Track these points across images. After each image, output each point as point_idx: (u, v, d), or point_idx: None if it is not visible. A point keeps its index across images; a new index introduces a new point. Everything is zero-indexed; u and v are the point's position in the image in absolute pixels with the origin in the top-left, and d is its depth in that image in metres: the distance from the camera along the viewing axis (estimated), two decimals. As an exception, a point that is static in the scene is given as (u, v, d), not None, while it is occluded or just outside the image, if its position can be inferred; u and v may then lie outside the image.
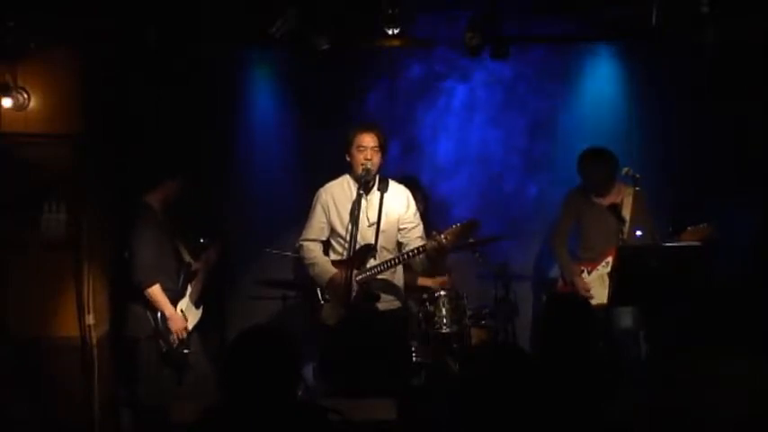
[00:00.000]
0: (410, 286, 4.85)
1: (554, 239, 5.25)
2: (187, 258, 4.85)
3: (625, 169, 4.80)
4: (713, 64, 5.32)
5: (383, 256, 4.43)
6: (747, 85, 5.41)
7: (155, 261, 4.57)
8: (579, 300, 4.03)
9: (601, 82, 5.91)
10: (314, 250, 4.53)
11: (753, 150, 5.49)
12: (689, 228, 4.66)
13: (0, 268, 4.65)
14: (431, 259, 4.42)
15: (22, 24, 4.53)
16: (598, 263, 4.95)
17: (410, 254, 4.35)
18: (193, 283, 4.84)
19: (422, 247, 4.30)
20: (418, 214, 4.59)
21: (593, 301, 4.66)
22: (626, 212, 4.81)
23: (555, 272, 5.82)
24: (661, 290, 4.32)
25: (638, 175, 4.76)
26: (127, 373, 4.88)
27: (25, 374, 4.62)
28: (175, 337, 4.65)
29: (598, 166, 4.97)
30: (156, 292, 4.56)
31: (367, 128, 4.41)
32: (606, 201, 4.94)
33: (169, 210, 4.75)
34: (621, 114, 5.85)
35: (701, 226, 4.66)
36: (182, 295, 4.76)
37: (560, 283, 5.16)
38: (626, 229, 4.74)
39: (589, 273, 4.99)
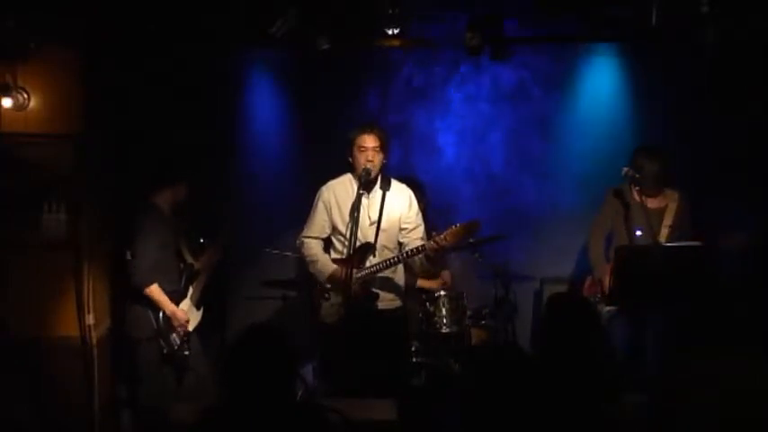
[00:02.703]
0: (409, 288, 4.85)
1: (591, 236, 5.03)
2: (189, 259, 4.85)
3: (625, 169, 4.77)
4: (713, 64, 5.32)
5: (384, 255, 4.43)
6: (747, 85, 5.41)
7: (154, 262, 4.56)
8: (580, 300, 4.03)
9: (601, 82, 5.90)
10: (314, 247, 4.53)
11: (753, 150, 5.49)
12: (721, 236, 4.55)
13: (0, 268, 4.64)
14: (430, 260, 4.42)
15: (22, 24, 4.52)
16: None
17: (409, 253, 4.35)
18: (195, 284, 4.84)
19: (421, 246, 4.30)
20: (420, 214, 4.59)
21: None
22: (668, 218, 4.75)
23: (556, 271, 5.83)
24: (661, 290, 4.31)
25: (637, 176, 4.75)
26: (127, 373, 4.88)
27: (25, 374, 4.61)
28: (176, 337, 4.64)
29: (653, 162, 4.76)
30: (155, 291, 4.56)
31: (367, 129, 4.42)
32: (650, 204, 4.77)
33: (176, 210, 4.75)
34: (621, 114, 5.85)
35: (737, 235, 4.56)
36: (183, 296, 4.76)
37: (588, 281, 5.00)
38: (665, 233, 4.70)
39: None
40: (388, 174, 4.54)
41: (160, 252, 4.59)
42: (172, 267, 4.72)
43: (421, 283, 5.25)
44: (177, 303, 4.69)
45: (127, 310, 4.68)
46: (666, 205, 4.81)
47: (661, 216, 4.80)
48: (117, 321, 4.91)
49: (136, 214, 4.64)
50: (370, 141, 4.37)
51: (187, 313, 4.73)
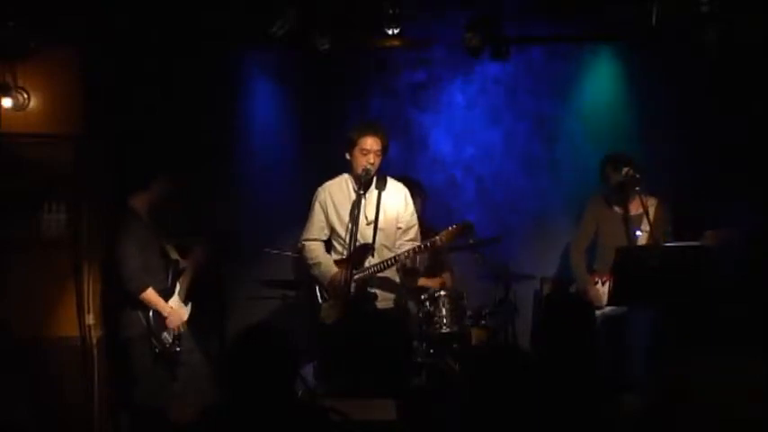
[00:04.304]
0: (410, 287, 4.85)
1: (572, 248, 5.11)
2: (174, 256, 4.85)
3: (625, 169, 4.78)
4: (713, 64, 5.32)
5: (383, 254, 4.43)
6: (748, 85, 5.41)
7: (142, 266, 4.56)
8: (579, 300, 4.03)
9: (601, 82, 5.90)
10: (315, 250, 4.53)
11: (753, 150, 5.49)
12: (708, 232, 4.57)
13: (0, 268, 4.64)
14: (419, 262, 4.43)
15: (22, 24, 4.52)
16: None
17: (405, 255, 4.35)
18: (181, 280, 4.85)
19: (417, 248, 4.31)
20: (415, 215, 4.60)
21: (609, 311, 4.65)
22: (646, 223, 4.77)
23: (556, 271, 5.83)
24: (660, 290, 4.31)
25: (637, 176, 4.75)
26: (123, 373, 4.87)
27: (25, 374, 4.61)
28: (167, 335, 4.65)
29: (619, 172, 4.82)
30: (149, 294, 4.57)
31: (372, 131, 4.38)
32: (627, 210, 4.88)
33: (157, 210, 4.74)
34: (622, 114, 5.85)
35: (722, 230, 4.58)
36: (171, 293, 4.76)
37: (572, 288, 5.08)
38: (643, 239, 4.72)
39: (603, 284, 4.87)
40: (384, 172, 4.53)
41: (143, 254, 4.59)
42: (157, 267, 4.72)
43: (422, 281, 5.25)
44: (166, 301, 4.69)
45: (118, 310, 4.68)
46: (644, 211, 4.82)
47: (639, 223, 4.82)
48: (111, 322, 4.90)
49: (116, 221, 4.64)
50: (373, 144, 4.34)
51: (178, 310, 4.75)
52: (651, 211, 4.79)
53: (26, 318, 4.67)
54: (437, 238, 4.27)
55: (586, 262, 5.07)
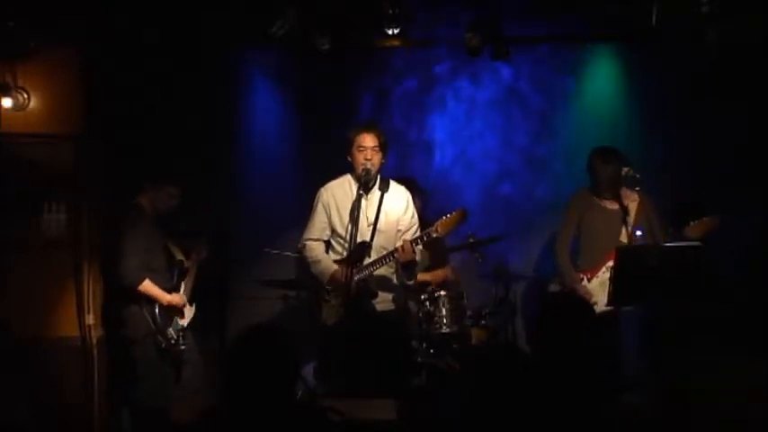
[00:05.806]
0: (408, 279, 4.83)
1: (558, 244, 5.04)
2: (179, 257, 4.86)
3: (625, 169, 4.76)
4: (713, 64, 5.33)
5: (382, 256, 4.43)
6: (747, 85, 5.41)
7: (140, 261, 4.57)
8: (578, 300, 4.02)
9: (601, 82, 5.91)
10: (316, 249, 4.53)
11: (753, 150, 5.49)
12: (691, 223, 4.58)
13: (0, 268, 4.65)
14: (419, 260, 4.42)
15: (22, 24, 4.53)
16: (598, 269, 4.79)
17: (402, 246, 4.34)
18: (186, 280, 4.86)
19: (415, 240, 4.32)
20: (416, 216, 4.59)
21: (597, 308, 4.63)
22: (631, 217, 4.77)
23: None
24: (660, 290, 4.31)
25: (638, 176, 4.74)
26: (126, 373, 4.88)
27: (25, 374, 4.61)
28: (172, 331, 4.66)
29: (608, 165, 4.80)
30: (147, 286, 4.58)
31: (367, 128, 4.42)
32: (613, 204, 4.85)
33: (159, 211, 4.75)
34: (622, 114, 5.85)
35: (705, 219, 4.59)
36: (176, 291, 4.77)
37: (551, 288, 5.07)
38: (629, 234, 4.73)
39: (589, 280, 4.84)
40: (385, 175, 4.54)
41: (147, 251, 4.60)
42: (161, 265, 4.73)
43: (421, 276, 5.23)
44: None
45: (121, 309, 4.68)
46: (627, 206, 4.81)
47: (625, 217, 4.82)
48: (112, 322, 4.90)
49: (120, 217, 4.64)
50: (369, 141, 4.37)
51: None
52: (634, 206, 4.78)
53: (26, 318, 4.67)
54: (434, 228, 4.27)
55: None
